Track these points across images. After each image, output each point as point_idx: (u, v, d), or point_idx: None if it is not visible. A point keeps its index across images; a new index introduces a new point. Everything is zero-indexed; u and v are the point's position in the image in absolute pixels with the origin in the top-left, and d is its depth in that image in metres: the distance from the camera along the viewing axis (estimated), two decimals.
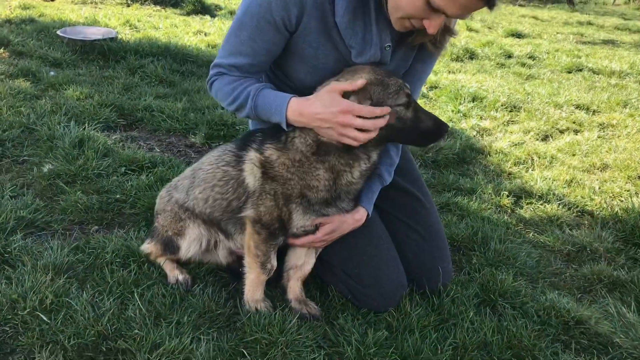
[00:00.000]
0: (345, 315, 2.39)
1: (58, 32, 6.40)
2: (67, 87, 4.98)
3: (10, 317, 2.13)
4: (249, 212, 2.28)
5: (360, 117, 2.02)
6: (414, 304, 2.49)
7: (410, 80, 2.31)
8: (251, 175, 2.26)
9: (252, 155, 2.27)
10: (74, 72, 5.61)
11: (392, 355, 2.17)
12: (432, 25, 1.95)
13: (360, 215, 2.38)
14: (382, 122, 2.06)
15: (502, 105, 6.01)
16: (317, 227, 2.31)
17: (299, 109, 2.10)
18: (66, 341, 2.03)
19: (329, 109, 2.03)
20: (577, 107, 6.28)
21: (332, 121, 2.04)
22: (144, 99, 4.91)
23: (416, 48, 2.30)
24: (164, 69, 5.89)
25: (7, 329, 2.10)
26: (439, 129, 2.17)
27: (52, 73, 5.37)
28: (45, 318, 2.12)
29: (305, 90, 2.27)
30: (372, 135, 2.06)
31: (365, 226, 2.42)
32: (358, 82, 2.04)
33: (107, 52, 6.15)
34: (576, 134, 5.37)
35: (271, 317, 2.24)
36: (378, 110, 2.04)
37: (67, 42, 6.27)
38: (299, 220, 2.25)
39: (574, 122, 5.70)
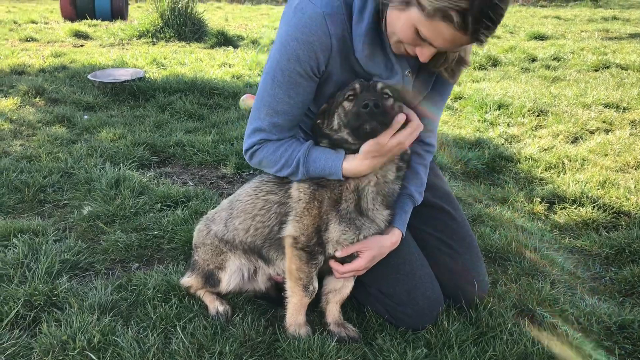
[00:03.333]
0: (383, 335, 2.42)
1: (89, 77, 6.65)
2: (101, 130, 5.17)
3: (61, 357, 2.21)
4: (288, 229, 2.33)
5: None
6: (451, 319, 2.50)
7: (428, 104, 2.38)
8: (296, 190, 2.33)
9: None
10: (107, 114, 5.82)
11: None
12: (423, 54, 2.06)
13: (396, 238, 2.41)
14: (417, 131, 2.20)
15: (528, 111, 5.97)
16: (356, 255, 2.35)
17: (356, 172, 2.21)
18: None
19: (385, 156, 2.18)
20: (606, 105, 6.19)
21: (387, 157, 2.21)
22: (175, 135, 5.06)
23: (435, 75, 2.37)
24: (192, 104, 6.05)
25: None
26: (359, 121, 2.09)
27: (85, 117, 5.59)
28: (94, 357, 2.20)
29: None
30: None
31: (398, 244, 2.45)
32: (399, 118, 2.11)
33: (137, 92, 6.36)
34: (607, 134, 5.30)
35: (310, 341, 2.27)
36: (413, 130, 2.18)
37: (98, 85, 6.51)
38: (335, 231, 2.27)
39: (604, 122, 5.62)
